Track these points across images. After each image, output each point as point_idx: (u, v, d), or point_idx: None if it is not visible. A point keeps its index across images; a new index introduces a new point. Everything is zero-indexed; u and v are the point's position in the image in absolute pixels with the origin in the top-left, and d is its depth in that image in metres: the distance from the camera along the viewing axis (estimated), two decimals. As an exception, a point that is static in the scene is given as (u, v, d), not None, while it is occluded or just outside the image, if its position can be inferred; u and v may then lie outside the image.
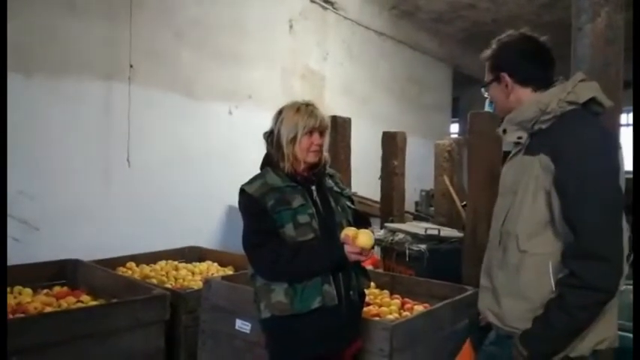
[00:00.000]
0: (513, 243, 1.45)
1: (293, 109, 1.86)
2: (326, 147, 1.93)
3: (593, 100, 1.43)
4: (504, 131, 1.57)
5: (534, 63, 1.53)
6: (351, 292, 1.84)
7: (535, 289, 1.41)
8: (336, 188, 1.96)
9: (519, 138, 1.52)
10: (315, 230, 1.79)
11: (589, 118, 1.43)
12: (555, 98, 1.43)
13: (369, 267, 3.79)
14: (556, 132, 1.41)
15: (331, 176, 2.00)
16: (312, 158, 1.85)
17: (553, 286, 1.38)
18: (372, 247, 1.78)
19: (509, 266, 1.47)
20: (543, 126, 1.44)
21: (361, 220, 1.98)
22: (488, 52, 1.61)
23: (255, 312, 1.89)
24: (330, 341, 1.80)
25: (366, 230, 1.76)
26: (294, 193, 1.82)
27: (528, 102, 1.49)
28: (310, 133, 1.83)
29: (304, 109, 1.85)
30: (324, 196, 1.89)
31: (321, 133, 1.86)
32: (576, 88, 1.44)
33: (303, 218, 1.78)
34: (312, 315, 1.74)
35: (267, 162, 1.92)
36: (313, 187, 1.88)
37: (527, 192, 1.42)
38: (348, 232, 1.74)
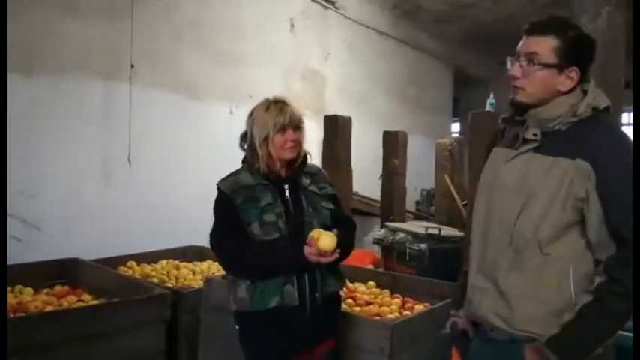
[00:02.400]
0: (534, 245, 1.39)
1: (263, 109, 1.83)
2: (305, 142, 1.90)
3: (606, 108, 1.43)
4: (525, 126, 1.44)
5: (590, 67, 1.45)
6: (317, 294, 1.81)
7: (556, 293, 1.38)
8: (312, 187, 1.91)
9: (534, 135, 1.42)
10: (281, 230, 1.77)
11: (613, 125, 1.43)
12: (584, 102, 1.39)
13: (369, 266, 3.80)
14: (590, 138, 1.36)
15: (313, 175, 1.95)
16: (288, 155, 1.82)
17: (572, 289, 1.36)
18: (346, 254, 1.80)
19: (528, 268, 1.40)
20: (563, 127, 1.40)
21: (342, 222, 1.93)
22: (561, 34, 1.40)
23: None
24: (291, 340, 1.80)
25: (329, 232, 1.73)
26: (264, 192, 1.81)
27: (560, 101, 1.41)
28: (282, 130, 1.80)
29: (273, 107, 1.82)
30: (296, 196, 1.86)
31: (295, 129, 1.82)
32: (596, 94, 1.42)
33: (269, 217, 1.78)
34: (271, 313, 1.75)
35: (246, 160, 1.92)
36: (286, 186, 1.86)
37: (557, 196, 1.36)
38: (314, 233, 1.73)
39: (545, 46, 1.40)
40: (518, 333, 1.42)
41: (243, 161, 1.93)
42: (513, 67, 1.44)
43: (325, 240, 1.70)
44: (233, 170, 1.94)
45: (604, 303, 1.32)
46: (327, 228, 1.80)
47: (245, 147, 1.90)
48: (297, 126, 1.84)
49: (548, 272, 1.39)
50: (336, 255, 1.74)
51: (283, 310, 1.76)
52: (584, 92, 1.43)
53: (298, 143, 1.85)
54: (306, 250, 1.71)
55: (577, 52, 1.41)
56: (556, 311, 1.38)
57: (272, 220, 1.78)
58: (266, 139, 1.80)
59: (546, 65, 1.40)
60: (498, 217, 1.48)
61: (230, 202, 1.81)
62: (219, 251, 1.90)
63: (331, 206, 1.93)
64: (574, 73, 1.41)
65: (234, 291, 1.83)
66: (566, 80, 1.41)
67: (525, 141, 1.45)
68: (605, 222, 1.33)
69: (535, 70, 1.41)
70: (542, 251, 1.39)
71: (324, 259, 1.72)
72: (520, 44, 1.45)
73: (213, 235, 1.88)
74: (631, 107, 2.70)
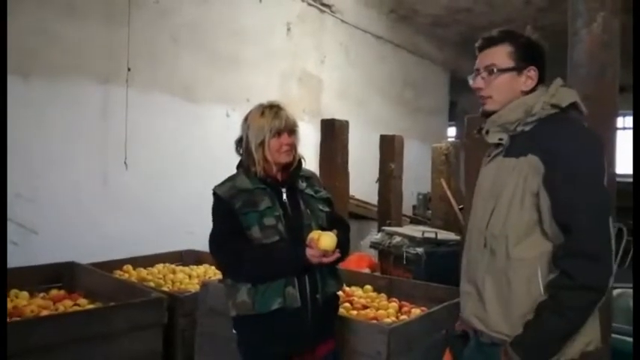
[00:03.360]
0: (502, 247, 1.43)
1: (258, 114, 1.86)
2: (300, 146, 1.92)
3: (572, 106, 1.45)
4: (487, 132, 1.53)
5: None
6: (318, 295, 1.82)
7: (525, 294, 1.39)
8: (308, 191, 1.95)
9: (500, 140, 1.49)
10: (281, 233, 1.79)
11: (574, 120, 1.45)
12: (540, 101, 1.44)
13: (365, 270, 3.80)
14: (544, 133, 1.40)
15: (307, 178, 1.99)
16: (284, 158, 1.85)
17: (542, 289, 1.37)
18: (345, 254, 1.79)
19: (498, 270, 1.44)
20: (526, 128, 1.44)
21: (338, 224, 1.95)
22: (513, 40, 1.50)
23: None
24: (293, 342, 1.80)
25: (329, 233, 1.75)
26: (263, 195, 1.82)
27: (515, 104, 1.48)
28: (278, 134, 1.82)
29: (268, 111, 1.84)
30: (294, 199, 1.89)
31: (290, 132, 1.85)
32: (558, 93, 1.45)
33: (269, 221, 1.79)
34: (273, 316, 1.75)
35: (241, 165, 1.93)
36: (283, 190, 1.88)
37: (515, 195, 1.41)
38: (314, 234, 1.75)
39: (501, 54, 1.50)
40: (495, 336, 1.45)
41: (238, 167, 1.95)
42: (476, 81, 1.53)
43: (326, 240, 1.72)
44: (229, 174, 1.94)
45: (556, 299, 1.33)
46: (323, 230, 1.81)
47: (241, 152, 1.92)
48: (292, 130, 1.86)
49: (517, 274, 1.41)
50: (337, 255, 1.76)
51: (285, 313, 1.76)
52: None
53: (293, 147, 1.88)
54: (308, 251, 1.72)
55: (531, 53, 1.50)
56: (526, 313, 1.39)
57: (272, 223, 1.79)
58: (262, 144, 1.82)
59: (505, 70, 1.49)
60: (477, 221, 1.54)
61: (228, 206, 1.81)
62: (219, 256, 1.89)
63: (327, 209, 1.97)
64: (532, 72, 1.48)
65: (233, 296, 1.82)
66: (527, 80, 1.49)
67: (495, 146, 1.53)
68: (552, 213, 1.36)
69: (496, 77, 1.49)
70: (508, 252, 1.42)
71: (325, 260, 1.74)
72: (478, 60, 1.55)
73: (213, 240, 1.87)
74: (627, 111, 2.72)
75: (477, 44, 1.56)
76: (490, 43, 1.52)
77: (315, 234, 1.75)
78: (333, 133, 4.10)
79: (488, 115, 1.53)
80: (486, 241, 1.48)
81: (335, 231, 1.77)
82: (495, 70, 1.49)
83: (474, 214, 1.58)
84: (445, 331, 1.68)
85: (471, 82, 1.56)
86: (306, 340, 1.83)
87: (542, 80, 1.50)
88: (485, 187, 1.54)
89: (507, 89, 1.49)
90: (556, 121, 1.42)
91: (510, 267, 1.42)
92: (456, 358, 1.68)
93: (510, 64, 1.49)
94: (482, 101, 1.53)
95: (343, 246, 1.81)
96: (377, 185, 4.99)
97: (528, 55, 1.49)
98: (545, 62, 1.52)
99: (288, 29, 5.76)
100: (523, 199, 1.40)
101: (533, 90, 1.49)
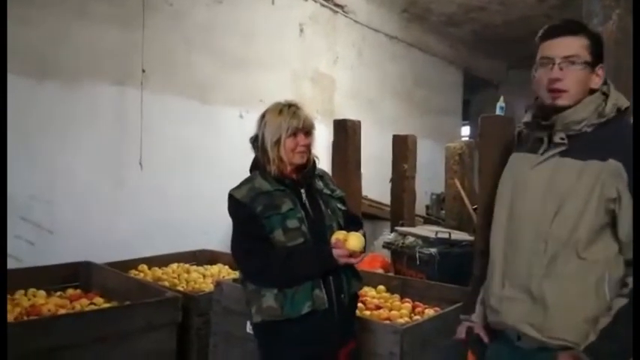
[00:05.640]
0: (570, 251, 1.37)
1: (276, 112, 1.83)
2: (315, 147, 1.90)
3: (627, 109, 1.43)
4: (550, 130, 1.42)
5: None
6: (342, 296, 1.81)
7: (594, 299, 1.36)
8: (326, 190, 1.93)
9: (562, 139, 1.41)
10: (305, 234, 1.77)
11: (631, 124, 1.41)
12: (609, 102, 1.39)
13: (379, 270, 3.80)
14: (618, 137, 1.36)
15: (321, 177, 1.97)
16: (298, 159, 1.82)
17: (607, 294, 1.34)
18: (363, 250, 1.76)
19: (565, 275, 1.38)
20: (589, 129, 1.39)
21: (353, 222, 1.94)
22: (588, 32, 1.42)
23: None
24: (321, 344, 1.79)
25: (356, 233, 1.74)
26: (283, 197, 1.80)
27: (586, 102, 1.40)
28: (294, 134, 1.80)
29: (287, 110, 1.82)
30: (313, 199, 1.86)
31: (307, 134, 1.83)
32: (618, 95, 1.42)
33: (292, 223, 1.76)
34: (302, 319, 1.73)
35: (255, 166, 1.91)
36: (302, 191, 1.85)
37: (591, 199, 1.34)
38: (339, 235, 1.74)
39: (581, 46, 1.40)
40: (551, 342, 1.39)
41: (252, 169, 1.92)
42: (553, 71, 1.40)
43: (354, 240, 1.71)
44: (243, 174, 1.93)
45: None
46: (343, 229, 1.81)
47: (257, 149, 1.89)
48: (308, 131, 1.84)
49: (587, 278, 1.36)
50: (364, 255, 1.75)
51: (314, 315, 1.74)
52: (604, 93, 1.43)
53: (308, 149, 1.85)
54: (336, 252, 1.71)
55: (601, 50, 1.43)
56: (593, 318, 1.35)
57: (295, 225, 1.77)
58: (278, 142, 1.80)
59: (586, 64, 1.39)
60: (529, 224, 1.44)
61: (249, 210, 1.77)
62: (244, 262, 1.84)
63: (343, 207, 1.96)
64: (601, 70, 1.43)
65: (258, 301, 1.77)
66: (596, 78, 1.42)
67: (551, 145, 1.43)
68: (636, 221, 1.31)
69: (577, 70, 1.39)
70: (579, 256, 1.36)
71: (353, 260, 1.73)
72: (553, 47, 1.42)
73: (236, 246, 1.84)
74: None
75: (545, 31, 1.45)
76: (567, 31, 1.42)
77: (340, 234, 1.74)
78: (346, 133, 4.10)
79: (557, 110, 1.42)
80: (547, 244, 1.39)
81: (362, 231, 1.77)
82: (578, 62, 1.38)
83: (520, 215, 1.48)
84: (465, 335, 1.65)
85: (533, 72, 1.46)
86: (334, 341, 1.82)
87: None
88: (537, 188, 1.44)
89: (583, 85, 1.40)
90: (624, 126, 1.39)
91: (580, 271, 1.37)
92: None
93: (589, 58, 1.39)
94: (555, 95, 1.41)
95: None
96: (390, 185, 4.98)
97: (600, 51, 1.42)
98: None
99: (301, 30, 5.77)
100: (599, 204, 1.34)
101: (596, 89, 1.42)
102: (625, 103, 1.42)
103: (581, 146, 1.38)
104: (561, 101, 1.41)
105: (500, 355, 1.54)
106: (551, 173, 1.42)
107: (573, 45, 1.40)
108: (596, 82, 1.42)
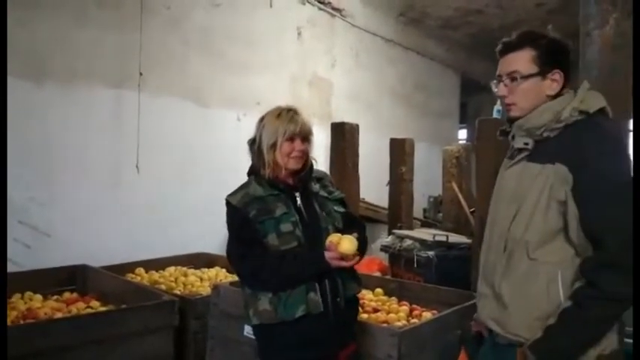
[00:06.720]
0: (522, 250, 1.43)
1: (274, 115, 1.83)
2: (313, 152, 1.89)
3: (600, 111, 1.42)
4: (513, 137, 1.52)
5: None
6: (338, 299, 1.81)
7: (544, 298, 1.39)
8: (322, 192, 1.92)
9: (526, 144, 1.47)
10: (299, 238, 1.77)
11: (600, 126, 1.40)
12: (569, 107, 1.40)
13: (376, 273, 3.80)
14: (572, 141, 1.38)
15: (319, 179, 1.96)
16: (293, 165, 1.81)
17: (561, 295, 1.37)
18: (363, 254, 1.76)
19: (518, 274, 1.44)
20: (552, 134, 1.42)
21: (354, 224, 1.93)
22: (535, 43, 1.46)
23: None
24: (317, 347, 1.78)
25: (349, 236, 1.73)
26: (277, 202, 1.80)
27: (542, 108, 1.44)
28: (291, 138, 1.79)
29: (285, 114, 1.82)
30: (309, 203, 1.86)
31: (304, 139, 1.82)
32: (586, 98, 1.42)
33: (285, 227, 1.76)
34: (297, 322, 1.73)
35: (252, 171, 1.91)
36: (297, 194, 1.85)
37: (540, 201, 1.39)
38: (333, 238, 1.73)
39: (524, 60, 1.46)
40: (512, 337, 1.45)
41: (249, 174, 1.93)
42: (499, 88, 1.51)
43: (346, 244, 1.70)
44: (240, 178, 1.93)
45: (582, 308, 1.32)
46: (340, 231, 1.80)
47: (254, 152, 1.89)
48: (306, 137, 1.83)
49: (537, 278, 1.41)
50: (357, 258, 1.74)
51: (309, 319, 1.74)
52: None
53: (305, 155, 1.85)
54: (328, 255, 1.71)
55: (554, 55, 1.46)
56: (545, 316, 1.39)
57: (289, 229, 1.77)
58: (274, 146, 1.80)
59: (529, 76, 1.45)
60: (498, 225, 1.53)
61: (243, 215, 1.78)
62: (240, 267, 1.85)
63: (342, 209, 1.95)
64: (557, 75, 1.46)
65: (254, 305, 1.79)
66: (552, 84, 1.46)
67: (519, 150, 1.50)
68: (581, 224, 1.34)
69: (519, 85, 1.46)
70: (529, 256, 1.41)
71: (345, 263, 1.72)
72: (499, 66, 1.52)
73: (232, 250, 1.85)
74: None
75: (497, 49, 1.53)
76: (511, 48, 1.49)
77: (334, 237, 1.73)
78: (344, 136, 4.10)
79: (513, 120, 1.51)
80: (506, 245, 1.47)
81: (355, 234, 1.75)
82: (519, 77, 1.46)
83: (493, 217, 1.57)
84: (460, 332, 1.68)
85: (493, 88, 1.54)
86: (331, 344, 1.81)
87: (567, 81, 1.46)
88: (507, 190, 1.52)
89: (532, 95, 1.46)
90: (584, 128, 1.39)
91: (531, 271, 1.41)
92: (471, 358, 1.69)
93: (534, 69, 1.45)
94: (507, 108, 1.51)
95: (361, 246, 1.79)
96: (387, 188, 4.98)
97: (552, 58, 1.45)
98: (569, 63, 1.48)
99: (299, 34, 5.79)
100: (548, 206, 1.38)
101: (559, 94, 1.46)
102: (595, 105, 1.41)
103: (544, 150, 1.43)
104: (513, 113, 1.50)
105: (485, 351, 1.61)
106: (517, 177, 1.49)
107: (515, 61, 1.47)
108: (553, 87, 1.45)
